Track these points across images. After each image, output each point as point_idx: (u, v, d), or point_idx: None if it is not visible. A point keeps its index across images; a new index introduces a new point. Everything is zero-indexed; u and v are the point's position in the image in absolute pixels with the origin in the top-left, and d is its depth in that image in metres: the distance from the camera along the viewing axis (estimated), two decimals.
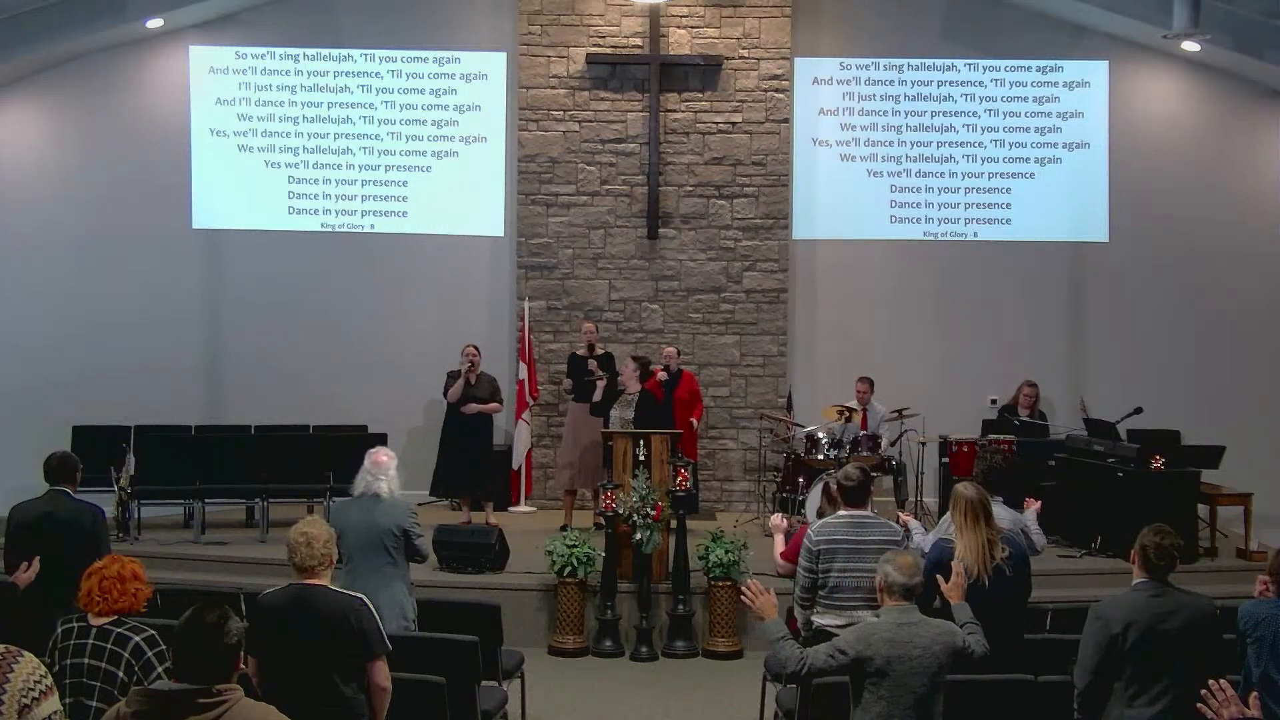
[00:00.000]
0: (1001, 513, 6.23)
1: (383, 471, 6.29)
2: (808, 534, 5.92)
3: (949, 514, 6.21)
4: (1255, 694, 4.36)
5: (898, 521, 6.30)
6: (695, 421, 11.15)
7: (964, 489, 5.61)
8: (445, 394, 10.57)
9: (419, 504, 8.19)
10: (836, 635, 5.43)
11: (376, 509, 6.25)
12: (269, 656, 4.72)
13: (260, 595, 4.94)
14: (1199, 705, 4.18)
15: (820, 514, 6.54)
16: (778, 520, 6.78)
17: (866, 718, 4.52)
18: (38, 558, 6.06)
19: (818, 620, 5.79)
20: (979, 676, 5.13)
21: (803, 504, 9.76)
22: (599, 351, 10.86)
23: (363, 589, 6.07)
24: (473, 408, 10.48)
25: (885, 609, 4.64)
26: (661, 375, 10.82)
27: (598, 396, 10.34)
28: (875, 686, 4.49)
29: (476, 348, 10.66)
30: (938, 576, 5.21)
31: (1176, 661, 4.63)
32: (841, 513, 5.94)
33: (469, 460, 10.47)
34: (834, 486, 6.40)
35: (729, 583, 8.56)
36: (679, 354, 11.31)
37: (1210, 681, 4.18)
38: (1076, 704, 4.83)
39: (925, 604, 4.96)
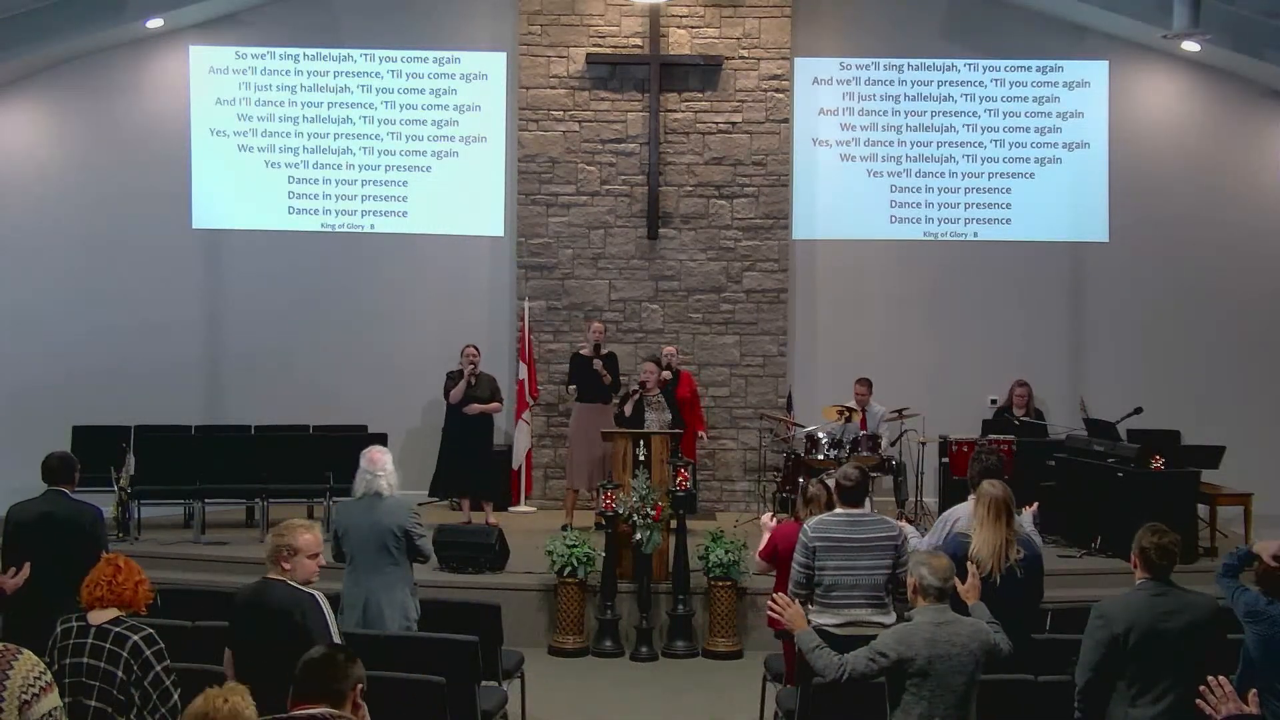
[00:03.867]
0: None
1: (380, 469, 6.32)
2: (803, 529, 5.96)
3: (950, 513, 6.24)
4: (1254, 692, 4.35)
5: None
6: (703, 434, 11.16)
7: (991, 486, 5.66)
8: (446, 395, 10.57)
9: (418, 504, 8.19)
10: (834, 634, 5.46)
11: (378, 508, 6.28)
12: (240, 649, 4.87)
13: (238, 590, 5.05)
14: (1197, 702, 4.19)
15: (797, 518, 6.56)
16: (767, 520, 6.83)
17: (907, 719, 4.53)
18: (28, 564, 6.04)
19: (814, 619, 5.80)
20: (979, 677, 5.13)
21: None
22: (604, 352, 10.82)
23: (366, 589, 6.13)
24: (474, 408, 10.48)
25: (919, 609, 4.66)
26: (666, 375, 10.84)
27: (629, 410, 10.27)
28: (917, 688, 4.50)
29: (476, 348, 10.67)
30: (955, 580, 5.22)
31: (1179, 661, 4.64)
32: (838, 510, 5.97)
33: (471, 460, 10.49)
34: (813, 488, 6.45)
35: (729, 583, 8.56)
36: (677, 352, 11.32)
37: (1209, 678, 4.19)
38: (1077, 702, 4.83)
39: None
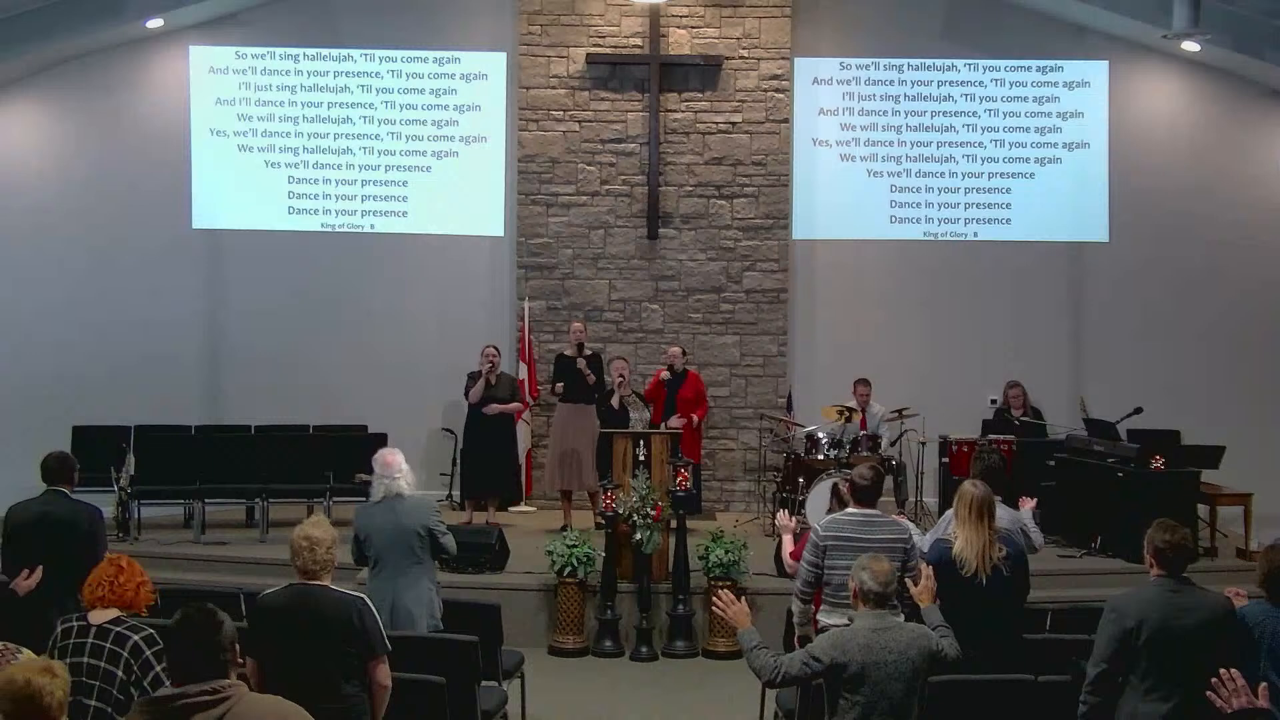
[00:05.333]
0: (1000, 512, 6.24)
1: (395, 470, 6.32)
2: (815, 528, 5.96)
3: (950, 512, 6.24)
4: (1264, 685, 4.35)
5: None
6: (695, 418, 11.13)
7: (971, 486, 5.65)
8: (466, 395, 10.57)
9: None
10: None
11: (400, 509, 6.29)
12: (270, 656, 4.73)
13: (261, 595, 4.95)
14: (1209, 694, 4.19)
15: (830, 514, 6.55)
16: (784, 520, 6.80)
17: None
18: (40, 566, 6.06)
19: (824, 619, 5.82)
20: (980, 677, 5.13)
21: (803, 504, 9.75)
22: (587, 352, 10.80)
23: (392, 590, 6.14)
24: (494, 408, 10.49)
25: (860, 614, 4.65)
26: (664, 375, 10.83)
27: (617, 404, 10.30)
28: (851, 692, 4.50)
29: (496, 348, 10.68)
30: (907, 579, 5.22)
31: (1191, 658, 4.62)
32: (851, 510, 5.97)
33: (496, 462, 10.53)
34: (844, 487, 6.42)
35: (729, 583, 8.55)
36: (684, 354, 11.30)
37: (1221, 670, 4.19)
38: (1085, 692, 4.79)
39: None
